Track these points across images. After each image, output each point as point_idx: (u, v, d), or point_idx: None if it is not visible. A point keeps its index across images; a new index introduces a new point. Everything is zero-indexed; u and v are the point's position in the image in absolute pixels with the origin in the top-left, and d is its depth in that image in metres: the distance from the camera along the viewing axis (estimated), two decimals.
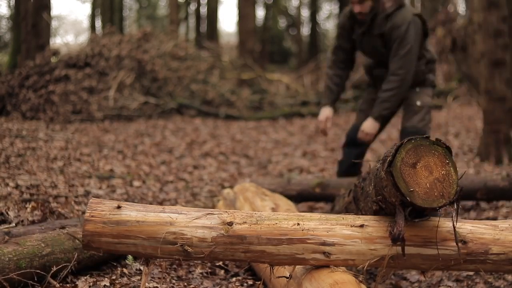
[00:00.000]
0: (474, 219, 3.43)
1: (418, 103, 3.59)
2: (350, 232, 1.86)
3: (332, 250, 1.84)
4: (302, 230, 1.85)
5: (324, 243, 1.85)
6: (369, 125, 3.59)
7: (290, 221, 1.87)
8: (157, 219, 1.84)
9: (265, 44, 21.46)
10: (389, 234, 1.78)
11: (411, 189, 1.70)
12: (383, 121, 3.69)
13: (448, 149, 1.72)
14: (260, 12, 24.39)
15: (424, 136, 1.73)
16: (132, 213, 1.84)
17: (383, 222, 1.87)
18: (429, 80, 3.66)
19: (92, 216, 1.82)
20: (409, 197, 1.70)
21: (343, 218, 1.89)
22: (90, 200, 1.87)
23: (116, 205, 1.85)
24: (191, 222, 1.84)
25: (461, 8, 16.68)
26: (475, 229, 1.88)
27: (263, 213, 1.90)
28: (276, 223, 1.86)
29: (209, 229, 1.84)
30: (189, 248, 1.82)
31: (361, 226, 1.87)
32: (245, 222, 1.86)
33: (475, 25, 6.32)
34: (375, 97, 3.69)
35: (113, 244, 1.85)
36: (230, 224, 1.84)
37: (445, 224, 1.87)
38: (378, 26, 3.52)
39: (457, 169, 1.73)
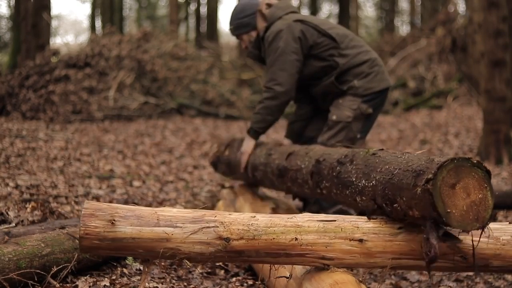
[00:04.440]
0: None
1: (334, 117, 3.18)
2: (349, 247, 1.84)
3: (331, 263, 1.84)
4: (301, 246, 1.83)
5: (323, 258, 1.84)
6: (244, 142, 3.33)
7: (288, 235, 1.83)
8: (152, 235, 1.79)
9: None
10: (425, 256, 1.73)
11: (448, 210, 1.65)
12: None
13: (488, 173, 1.68)
14: None
15: (466, 157, 1.67)
16: (127, 229, 1.78)
17: (382, 235, 1.86)
18: (355, 88, 3.17)
19: (87, 234, 1.77)
20: (445, 218, 1.65)
21: (341, 230, 1.85)
22: (82, 212, 1.79)
23: (110, 220, 1.78)
24: (188, 238, 1.80)
25: (461, 8, 16.68)
26: (476, 244, 1.87)
27: (259, 225, 1.85)
28: (274, 238, 1.83)
29: (206, 244, 1.80)
30: (187, 262, 1.82)
31: (360, 240, 1.85)
32: (242, 238, 1.82)
33: (475, 25, 6.32)
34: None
35: (112, 253, 1.85)
36: (227, 240, 1.81)
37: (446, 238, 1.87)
38: (263, 51, 3.33)
39: (494, 193, 1.70)
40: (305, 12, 25.83)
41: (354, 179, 2.12)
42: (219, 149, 3.69)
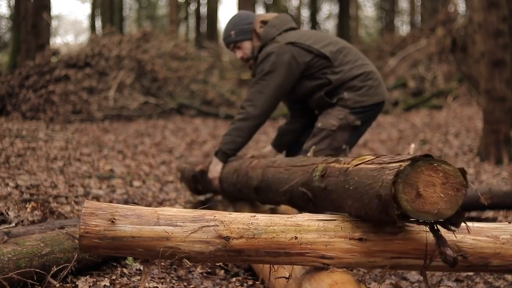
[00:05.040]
0: (474, 219, 3.44)
1: (319, 124, 3.16)
2: (349, 246, 1.83)
3: (331, 262, 1.84)
4: (300, 245, 1.83)
5: (323, 257, 1.84)
6: (211, 166, 3.26)
7: (288, 234, 1.83)
8: (152, 234, 1.79)
9: None
10: (445, 262, 1.69)
11: (435, 212, 1.61)
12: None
13: (427, 156, 1.62)
14: (260, 12, 24.41)
15: (405, 166, 1.59)
16: (127, 228, 1.78)
17: (382, 234, 1.86)
18: (344, 99, 3.15)
19: (87, 232, 1.76)
20: (440, 218, 1.62)
21: (341, 229, 1.86)
22: (83, 211, 1.79)
23: (110, 218, 1.78)
24: (188, 237, 1.79)
25: (461, 8, 16.68)
26: (476, 242, 1.87)
27: (259, 224, 1.85)
28: (274, 237, 1.82)
29: (206, 243, 1.80)
30: (187, 262, 1.82)
31: (360, 239, 1.85)
32: (242, 237, 1.81)
33: (475, 25, 6.32)
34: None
35: (112, 253, 1.84)
36: (227, 239, 1.81)
37: (445, 237, 1.87)
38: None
39: (447, 161, 1.65)
40: (305, 12, 25.86)
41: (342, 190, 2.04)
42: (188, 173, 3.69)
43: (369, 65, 3.27)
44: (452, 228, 1.65)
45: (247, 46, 3.27)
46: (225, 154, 3.22)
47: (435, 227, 1.69)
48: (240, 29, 3.26)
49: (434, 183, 1.61)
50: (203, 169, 3.45)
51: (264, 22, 3.25)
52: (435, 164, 1.60)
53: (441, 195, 1.61)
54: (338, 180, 1.92)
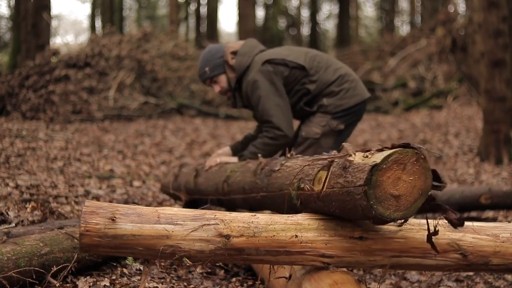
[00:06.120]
0: (474, 219, 3.44)
1: (303, 133, 3.23)
2: (349, 244, 1.83)
3: (331, 261, 1.84)
4: (301, 243, 1.83)
5: (323, 255, 1.83)
6: (230, 159, 3.29)
7: (288, 233, 1.83)
8: (153, 232, 1.79)
9: (265, 44, 21.45)
10: (452, 225, 1.75)
11: (420, 193, 1.63)
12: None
13: (388, 148, 1.64)
14: (260, 12, 24.42)
15: (367, 189, 1.60)
16: (127, 226, 1.78)
17: (382, 233, 1.86)
18: (324, 106, 3.19)
19: (87, 231, 1.76)
20: (426, 192, 1.64)
21: (341, 227, 1.86)
22: (84, 209, 1.79)
23: (110, 217, 1.78)
24: (188, 235, 1.79)
25: (461, 8, 16.69)
26: (476, 241, 1.88)
27: (260, 223, 1.85)
28: (274, 235, 1.82)
29: (207, 242, 1.80)
30: (187, 261, 1.81)
31: (360, 238, 1.85)
32: (242, 235, 1.81)
33: (475, 25, 6.32)
34: None
35: (112, 252, 1.84)
36: (227, 237, 1.81)
37: (445, 235, 1.87)
38: (242, 100, 3.32)
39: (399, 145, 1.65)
40: (305, 12, 25.86)
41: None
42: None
43: (342, 67, 3.30)
44: (442, 185, 1.68)
45: (222, 79, 3.31)
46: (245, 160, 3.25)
47: (432, 198, 1.68)
48: (214, 64, 3.29)
49: (399, 177, 1.62)
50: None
51: (234, 53, 3.29)
52: (386, 166, 1.60)
53: (410, 180, 1.62)
54: (318, 204, 1.91)
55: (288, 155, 2.44)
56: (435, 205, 1.70)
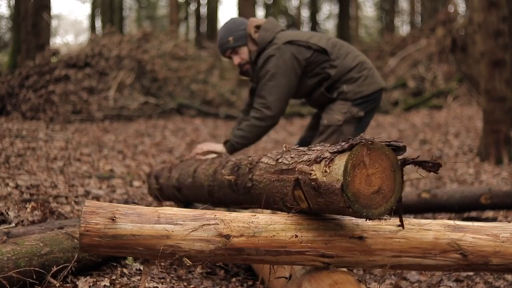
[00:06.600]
0: (474, 219, 3.44)
1: (325, 122, 3.26)
2: (349, 244, 1.83)
3: (331, 261, 1.84)
4: (301, 243, 1.83)
5: (323, 255, 1.83)
6: (215, 145, 3.28)
7: (288, 232, 1.83)
8: (153, 232, 1.79)
9: None
10: (429, 170, 1.62)
11: (393, 169, 1.59)
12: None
13: (338, 152, 1.60)
14: (260, 12, 24.42)
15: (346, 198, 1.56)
16: (127, 226, 1.78)
17: (382, 232, 1.86)
18: (344, 93, 3.23)
19: (87, 231, 1.76)
20: (401, 158, 1.61)
21: (341, 227, 1.86)
22: (84, 209, 1.79)
23: (110, 217, 1.78)
24: (188, 235, 1.79)
25: (461, 8, 16.69)
26: (476, 241, 1.88)
27: (260, 223, 1.85)
28: (274, 235, 1.82)
29: (207, 242, 1.80)
30: (187, 261, 1.81)
31: (360, 238, 1.85)
32: (242, 235, 1.82)
33: (475, 25, 6.32)
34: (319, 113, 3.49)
35: (112, 252, 1.84)
36: (227, 237, 1.81)
37: (445, 235, 1.87)
38: (256, 74, 3.32)
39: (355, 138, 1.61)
40: (305, 12, 25.85)
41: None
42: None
43: (361, 55, 3.36)
44: (400, 144, 1.62)
45: (244, 51, 3.32)
46: (232, 146, 3.26)
47: (405, 160, 1.62)
48: (238, 35, 3.31)
49: (367, 174, 1.59)
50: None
51: (257, 27, 3.31)
52: (350, 178, 1.57)
53: (377, 168, 1.58)
54: (312, 211, 1.90)
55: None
56: (411, 162, 1.62)
